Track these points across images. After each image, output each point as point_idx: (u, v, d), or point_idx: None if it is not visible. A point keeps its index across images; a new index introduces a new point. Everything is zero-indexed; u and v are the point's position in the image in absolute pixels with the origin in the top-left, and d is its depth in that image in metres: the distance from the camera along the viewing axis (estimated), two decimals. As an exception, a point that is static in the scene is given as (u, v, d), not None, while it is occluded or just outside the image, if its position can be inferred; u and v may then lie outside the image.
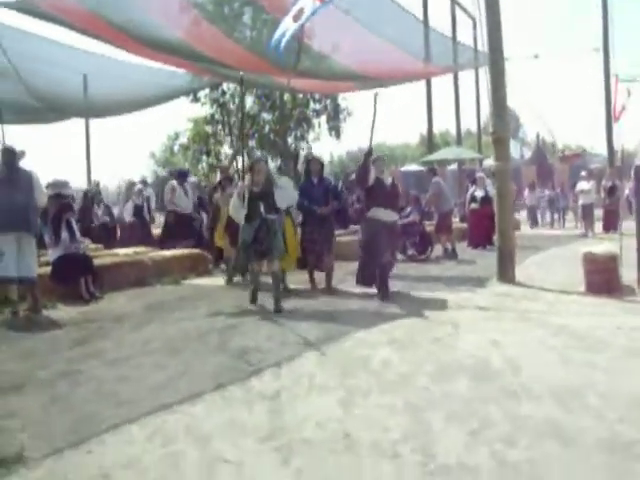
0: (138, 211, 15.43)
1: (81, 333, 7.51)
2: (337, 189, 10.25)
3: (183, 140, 32.90)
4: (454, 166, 32.24)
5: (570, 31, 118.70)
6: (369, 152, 9.37)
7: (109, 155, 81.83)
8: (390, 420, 4.38)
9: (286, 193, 9.19)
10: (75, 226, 10.22)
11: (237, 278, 11.20)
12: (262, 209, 8.53)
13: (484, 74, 12.06)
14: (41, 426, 4.47)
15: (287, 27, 13.55)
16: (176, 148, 33.55)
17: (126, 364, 6.12)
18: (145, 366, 6.03)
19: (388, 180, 9.56)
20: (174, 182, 14.57)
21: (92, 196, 16.41)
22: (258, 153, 31.51)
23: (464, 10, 27.43)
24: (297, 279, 10.47)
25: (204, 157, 32.65)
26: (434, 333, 6.86)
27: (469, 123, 54.54)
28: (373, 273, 9.25)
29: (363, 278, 9.38)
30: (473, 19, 24.92)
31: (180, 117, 56.65)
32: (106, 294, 10.00)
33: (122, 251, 12.14)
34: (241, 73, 13.67)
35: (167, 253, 12.23)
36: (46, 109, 21.91)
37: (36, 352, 6.70)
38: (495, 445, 3.87)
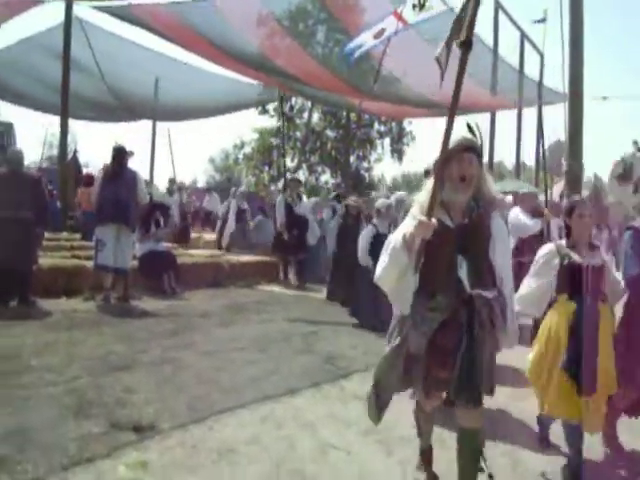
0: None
1: (171, 325, 8.01)
2: None
3: (247, 150, 33.67)
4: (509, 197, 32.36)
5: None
6: None
7: (165, 156, 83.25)
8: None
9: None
10: (162, 224, 10.82)
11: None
12: (464, 275, 3.41)
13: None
14: (161, 402, 4.94)
15: (365, 41, 14.07)
16: (240, 157, 34.33)
17: (219, 357, 6.58)
18: (237, 360, 6.48)
19: None
20: None
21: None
22: (319, 169, 32.11)
23: (533, 45, 27.56)
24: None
25: (266, 168, 33.37)
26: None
27: (523, 156, 54.64)
28: None
29: None
30: (541, 54, 25.02)
31: (241, 126, 57.79)
32: (185, 292, 10.52)
33: (197, 252, 12.70)
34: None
35: (242, 258, 12.75)
36: (122, 108, 22.87)
37: (134, 337, 7.21)
38: None
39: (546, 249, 4.49)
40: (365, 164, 32.72)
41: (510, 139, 30.31)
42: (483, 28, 17.57)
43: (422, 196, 3.49)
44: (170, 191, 17.30)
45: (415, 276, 3.38)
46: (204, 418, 4.64)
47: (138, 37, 18.22)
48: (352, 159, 31.45)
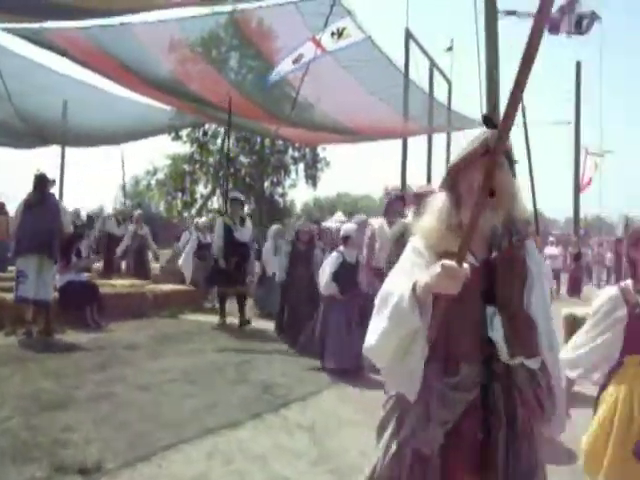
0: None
1: (99, 358, 7.78)
2: None
3: (160, 176, 33.26)
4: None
5: (546, 100, 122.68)
6: None
7: (73, 183, 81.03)
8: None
9: None
10: (83, 254, 10.54)
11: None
12: (498, 336, 2.23)
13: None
14: (102, 441, 4.80)
15: (284, 67, 14.21)
16: (153, 183, 33.86)
17: (154, 390, 6.44)
18: (173, 393, 6.37)
19: None
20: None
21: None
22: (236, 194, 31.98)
23: (441, 73, 28.29)
24: None
25: (179, 194, 33.02)
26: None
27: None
28: None
29: None
30: (449, 82, 25.76)
31: (153, 152, 57.05)
32: (109, 323, 10.22)
33: (119, 282, 12.41)
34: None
35: (165, 287, 12.53)
36: (30, 134, 22.17)
37: (62, 373, 6.96)
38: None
39: (607, 295, 3.29)
40: (279, 190, 32.86)
41: (421, 164, 31.16)
42: (395, 55, 17.94)
43: (428, 222, 2.40)
44: (118, 222, 16.60)
45: (421, 344, 2.20)
46: (150, 455, 4.54)
47: (46, 59, 17.72)
48: (266, 185, 31.49)
